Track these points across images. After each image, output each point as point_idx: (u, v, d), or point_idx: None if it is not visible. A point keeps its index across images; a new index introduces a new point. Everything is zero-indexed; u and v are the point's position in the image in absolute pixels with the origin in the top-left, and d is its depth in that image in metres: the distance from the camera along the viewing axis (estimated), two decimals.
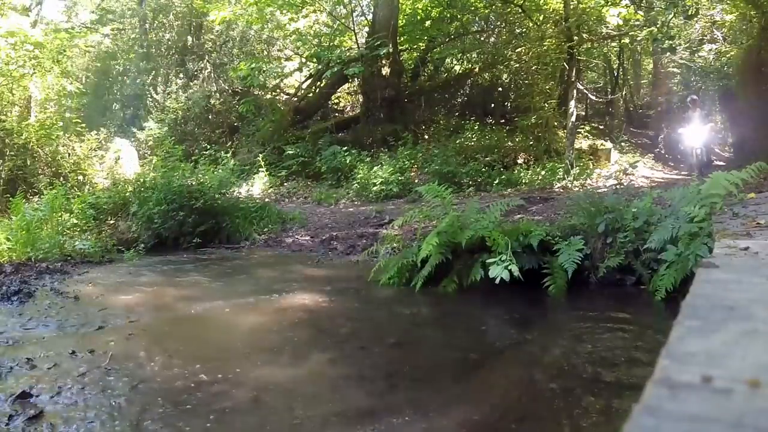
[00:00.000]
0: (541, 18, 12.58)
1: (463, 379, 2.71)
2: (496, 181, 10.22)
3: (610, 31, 12.26)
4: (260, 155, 12.60)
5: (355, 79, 13.56)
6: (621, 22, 10.93)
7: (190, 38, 17.01)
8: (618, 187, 6.96)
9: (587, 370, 2.77)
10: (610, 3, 10.68)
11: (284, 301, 4.31)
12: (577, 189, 9.21)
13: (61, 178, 10.03)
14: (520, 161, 11.88)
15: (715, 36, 14.81)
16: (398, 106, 13.32)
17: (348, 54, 13.18)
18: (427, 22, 14.36)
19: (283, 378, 2.71)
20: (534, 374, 2.72)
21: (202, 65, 16.60)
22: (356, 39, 14.03)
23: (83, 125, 11.92)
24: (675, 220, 3.78)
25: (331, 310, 4.01)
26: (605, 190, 7.05)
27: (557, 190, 9.67)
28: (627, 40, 13.21)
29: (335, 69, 12.21)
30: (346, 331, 3.50)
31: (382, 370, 2.81)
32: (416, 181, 10.45)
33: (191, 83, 16.15)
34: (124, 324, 3.73)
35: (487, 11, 14.53)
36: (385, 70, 12.82)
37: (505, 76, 15.19)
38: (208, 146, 13.46)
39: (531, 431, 2.20)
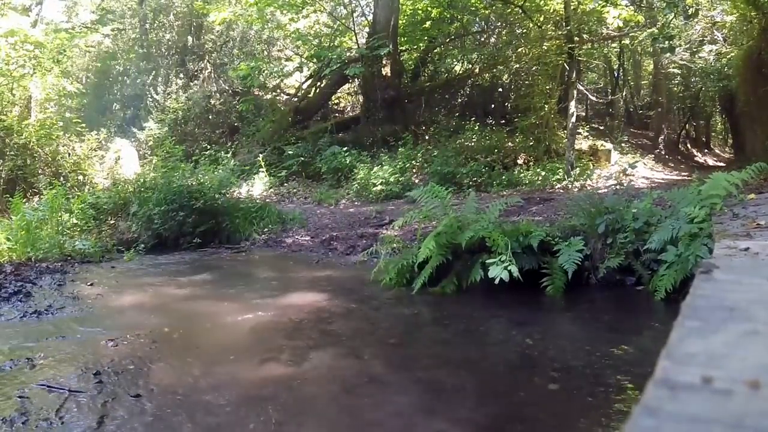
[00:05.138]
0: (541, 19, 12.58)
1: (463, 379, 2.71)
2: (497, 182, 10.21)
3: (610, 32, 12.28)
4: (260, 155, 12.60)
5: (356, 79, 13.56)
6: (621, 24, 10.95)
7: (190, 38, 17.02)
8: (618, 187, 6.96)
9: (587, 370, 2.77)
10: (610, 3, 10.69)
11: (285, 302, 4.31)
12: (577, 190, 9.21)
13: (61, 178, 10.03)
14: (520, 162, 11.87)
15: (716, 37, 14.82)
16: (398, 106, 13.31)
17: (348, 54, 13.17)
18: (428, 23, 14.36)
19: (285, 377, 2.71)
20: (534, 375, 2.72)
21: (203, 65, 16.60)
22: (356, 39, 14.04)
23: (83, 125, 11.92)
24: (675, 221, 3.78)
25: (332, 310, 4.01)
26: (605, 190, 7.06)
27: (557, 190, 9.66)
28: (627, 41, 13.22)
29: (335, 69, 12.21)
30: (347, 331, 3.50)
31: (383, 371, 2.81)
32: (416, 181, 10.44)
33: (191, 83, 16.15)
34: (124, 324, 3.73)
35: (487, 12, 14.54)
36: (386, 71, 12.81)
37: (505, 76, 15.18)
38: (209, 146, 13.46)
39: None
